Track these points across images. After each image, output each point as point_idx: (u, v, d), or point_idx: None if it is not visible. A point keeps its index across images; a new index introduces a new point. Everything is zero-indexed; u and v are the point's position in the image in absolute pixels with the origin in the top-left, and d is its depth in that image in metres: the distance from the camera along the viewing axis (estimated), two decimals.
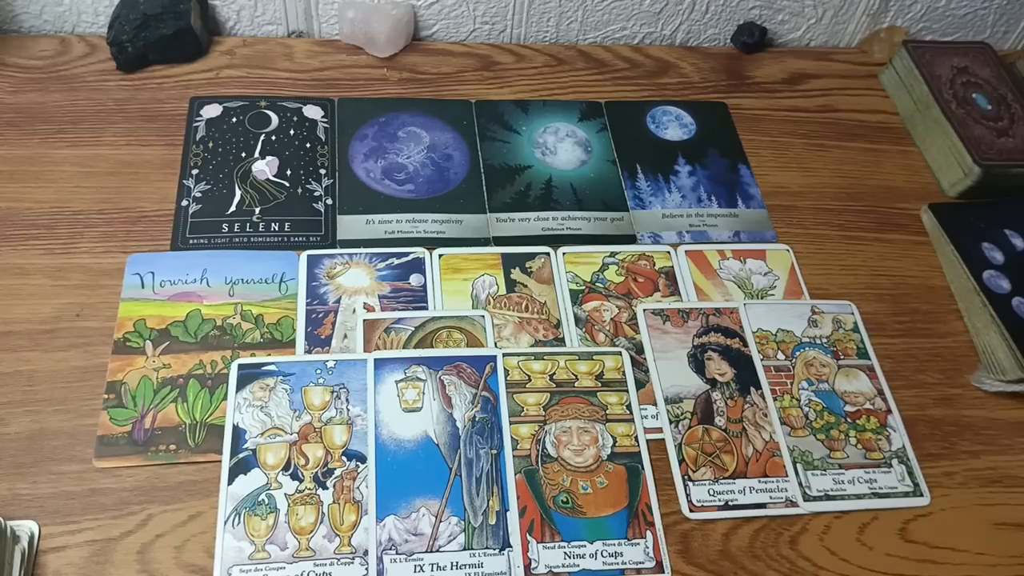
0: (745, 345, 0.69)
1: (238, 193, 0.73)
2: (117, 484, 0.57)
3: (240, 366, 0.62)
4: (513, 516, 0.58)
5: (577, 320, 0.69)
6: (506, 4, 0.89)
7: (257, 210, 0.72)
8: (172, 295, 0.66)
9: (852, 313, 0.72)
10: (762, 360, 0.68)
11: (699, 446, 0.63)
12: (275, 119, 0.79)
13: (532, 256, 0.73)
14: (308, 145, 0.78)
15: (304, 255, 0.70)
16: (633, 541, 0.58)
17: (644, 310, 0.70)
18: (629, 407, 0.64)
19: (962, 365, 0.71)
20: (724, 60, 0.93)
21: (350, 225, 0.73)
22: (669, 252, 0.75)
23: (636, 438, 0.63)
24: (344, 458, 0.59)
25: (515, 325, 0.68)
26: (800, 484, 0.62)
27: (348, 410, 0.61)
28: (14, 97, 0.77)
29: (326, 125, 0.79)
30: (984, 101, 0.85)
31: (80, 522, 0.55)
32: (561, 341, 0.68)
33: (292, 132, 0.78)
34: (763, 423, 0.65)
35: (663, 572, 0.57)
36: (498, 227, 0.74)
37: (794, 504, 0.61)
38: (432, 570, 0.56)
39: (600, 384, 0.65)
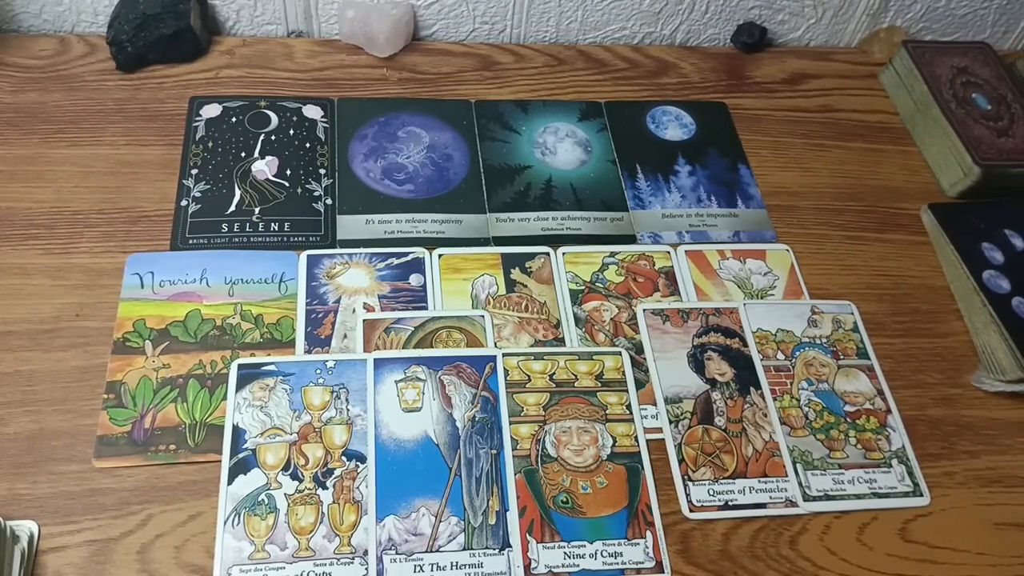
0: (745, 345, 0.69)
1: (238, 193, 0.73)
2: (117, 484, 0.57)
3: (240, 366, 0.62)
4: (513, 516, 0.58)
5: (577, 320, 0.69)
6: (506, 4, 0.88)
7: (257, 210, 0.72)
8: (172, 295, 0.66)
9: (852, 313, 0.72)
10: (762, 360, 0.68)
11: (699, 446, 0.63)
12: (275, 119, 0.79)
13: (532, 256, 0.73)
14: (308, 145, 0.77)
15: (304, 255, 0.70)
16: (633, 541, 0.58)
17: (644, 310, 0.70)
18: (629, 407, 0.64)
19: (962, 365, 0.71)
20: (724, 60, 0.92)
21: (350, 225, 0.73)
22: (669, 252, 0.75)
23: (636, 438, 0.63)
24: (344, 458, 0.59)
25: (515, 325, 0.68)
26: (800, 484, 0.62)
27: (348, 410, 0.61)
28: (14, 97, 0.77)
29: (326, 125, 0.79)
30: (984, 101, 0.85)
31: (80, 522, 0.55)
32: (561, 341, 0.68)
33: (292, 132, 0.78)
34: (763, 423, 0.65)
35: (663, 572, 0.57)
36: (498, 227, 0.74)
37: (794, 504, 0.61)
38: (432, 570, 0.56)
39: (600, 384, 0.65)
